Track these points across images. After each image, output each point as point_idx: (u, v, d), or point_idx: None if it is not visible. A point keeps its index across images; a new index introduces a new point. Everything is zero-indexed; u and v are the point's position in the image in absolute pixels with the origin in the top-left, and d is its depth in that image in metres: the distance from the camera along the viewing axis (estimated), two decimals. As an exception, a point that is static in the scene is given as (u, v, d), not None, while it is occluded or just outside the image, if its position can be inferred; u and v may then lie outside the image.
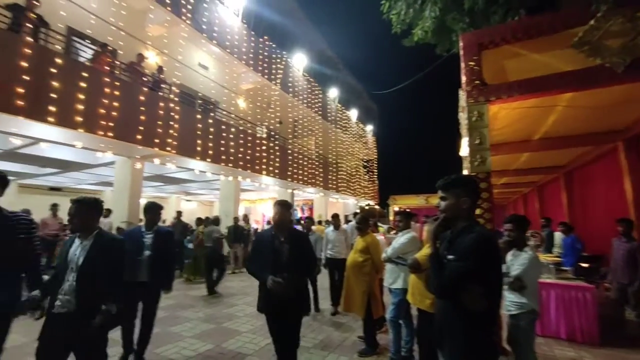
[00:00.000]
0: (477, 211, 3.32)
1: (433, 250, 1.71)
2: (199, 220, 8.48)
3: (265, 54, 12.42)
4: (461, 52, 3.90)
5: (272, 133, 13.71)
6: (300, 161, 13.14)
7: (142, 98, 7.01)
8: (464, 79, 3.81)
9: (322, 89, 17.28)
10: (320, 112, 16.48)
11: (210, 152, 8.66)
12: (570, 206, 8.04)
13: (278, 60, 13.18)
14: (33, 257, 2.29)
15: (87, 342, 1.98)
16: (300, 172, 13.04)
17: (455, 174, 1.81)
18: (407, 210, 4.48)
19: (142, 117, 6.94)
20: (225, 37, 10.28)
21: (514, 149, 5.98)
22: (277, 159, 11.56)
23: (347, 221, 11.08)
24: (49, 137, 6.21)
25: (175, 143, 7.63)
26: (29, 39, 5.53)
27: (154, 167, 8.96)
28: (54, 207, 7.81)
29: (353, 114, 21.79)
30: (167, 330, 4.20)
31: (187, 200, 18.63)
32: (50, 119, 5.40)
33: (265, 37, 12.66)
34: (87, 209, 2.14)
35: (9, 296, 2.07)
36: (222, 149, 9.11)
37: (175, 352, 3.50)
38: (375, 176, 24.15)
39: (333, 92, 19.06)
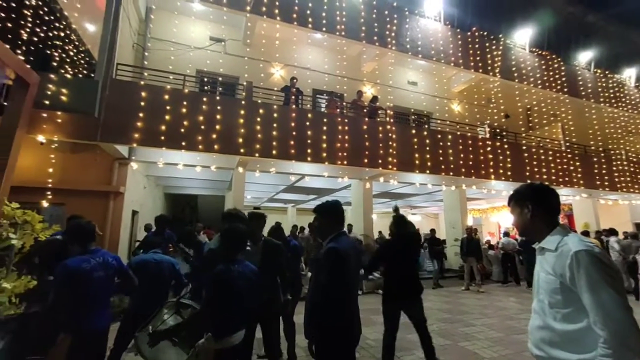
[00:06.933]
0: None
1: None
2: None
3: (476, 46, 11.20)
4: None
5: (498, 130, 11.93)
6: (542, 157, 10.50)
7: (364, 127, 8.21)
8: None
9: (564, 58, 13.23)
10: (565, 89, 12.61)
11: (429, 163, 8.69)
12: None
13: (493, 47, 11.50)
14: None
15: None
16: (544, 170, 10.39)
17: None
18: None
19: (367, 143, 8.08)
20: (429, 46, 10.26)
21: None
22: (508, 159, 9.85)
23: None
24: (309, 172, 8.52)
25: (395, 160, 8.28)
26: (294, 106, 7.99)
27: (380, 185, 10.09)
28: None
29: (629, 75, 15.07)
30: (404, 337, 4.46)
31: (412, 214, 19.37)
32: (309, 159, 7.42)
33: (474, 29, 11.47)
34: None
35: None
36: (441, 158, 8.91)
37: (412, 361, 3.64)
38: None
39: (584, 57, 14.12)
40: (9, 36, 4.49)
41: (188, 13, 8.63)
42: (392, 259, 3.36)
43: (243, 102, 7.19)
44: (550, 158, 10.66)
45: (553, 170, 10.56)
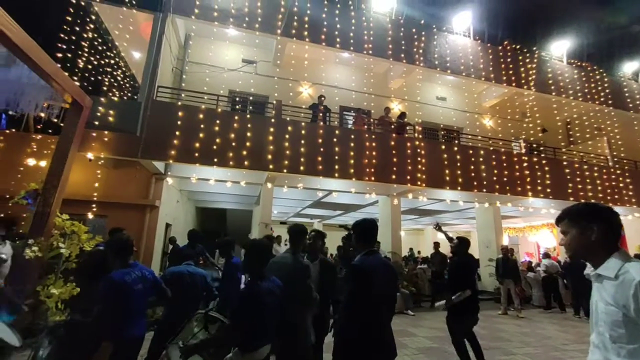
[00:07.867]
0: None
1: None
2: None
3: (509, 60, 10.89)
4: None
5: (534, 145, 11.37)
6: (586, 173, 9.81)
7: (392, 143, 8.15)
8: None
9: (607, 69, 12.50)
10: (609, 101, 11.84)
11: (460, 179, 8.41)
12: None
13: (527, 60, 11.12)
14: None
15: None
16: (589, 187, 9.68)
17: None
18: None
19: (394, 159, 8.00)
20: (458, 62, 10.11)
21: None
22: (547, 175, 9.30)
23: None
24: (336, 188, 8.53)
25: (424, 177, 8.09)
26: (321, 123, 8.13)
27: (408, 202, 9.85)
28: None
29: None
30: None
31: (444, 232, 18.65)
32: (336, 175, 7.44)
33: (505, 43, 11.21)
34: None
35: None
36: (472, 174, 8.59)
37: (445, 390, 3.42)
38: None
39: (630, 67, 13.25)
40: (68, 65, 5.03)
41: (223, 38, 9.19)
42: (466, 279, 3.76)
43: (272, 120, 7.42)
44: (596, 174, 9.93)
45: (599, 188, 9.81)
